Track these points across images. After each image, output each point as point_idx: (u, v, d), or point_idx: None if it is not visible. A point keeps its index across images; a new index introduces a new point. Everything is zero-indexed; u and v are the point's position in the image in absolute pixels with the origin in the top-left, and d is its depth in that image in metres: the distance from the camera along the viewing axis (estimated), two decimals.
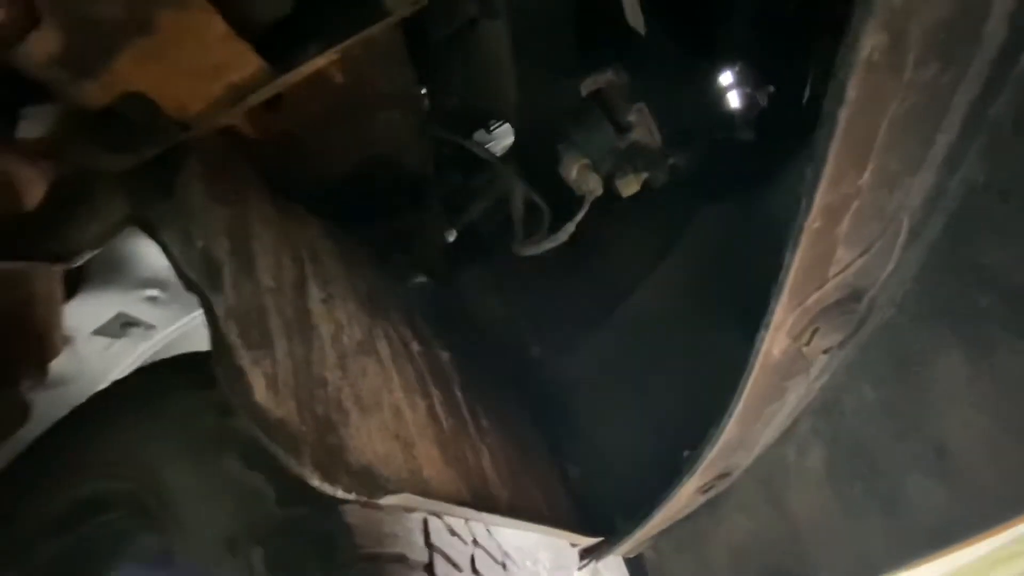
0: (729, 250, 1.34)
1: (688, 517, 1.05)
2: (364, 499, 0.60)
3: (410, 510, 0.92)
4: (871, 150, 0.46)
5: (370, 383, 0.79)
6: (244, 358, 0.64)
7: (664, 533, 1.07)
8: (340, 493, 0.59)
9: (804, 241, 0.50)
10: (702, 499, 1.00)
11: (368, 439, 0.68)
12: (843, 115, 0.41)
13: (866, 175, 0.47)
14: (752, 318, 1.21)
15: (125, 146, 0.87)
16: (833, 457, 0.80)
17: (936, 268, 0.62)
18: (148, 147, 0.88)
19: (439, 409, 0.89)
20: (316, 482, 0.58)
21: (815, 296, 0.60)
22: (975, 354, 0.60)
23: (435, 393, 0.92)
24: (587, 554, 1.09)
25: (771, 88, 1.11)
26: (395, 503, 0.64)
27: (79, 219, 0.88)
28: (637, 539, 1.01)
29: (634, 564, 1.22)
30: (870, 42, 0.38)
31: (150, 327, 1.77)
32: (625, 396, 1.39)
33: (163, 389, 1.32)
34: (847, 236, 0.53)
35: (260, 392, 0.61)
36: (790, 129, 1.12)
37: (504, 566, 1.29)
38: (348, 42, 0.94)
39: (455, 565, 1.07)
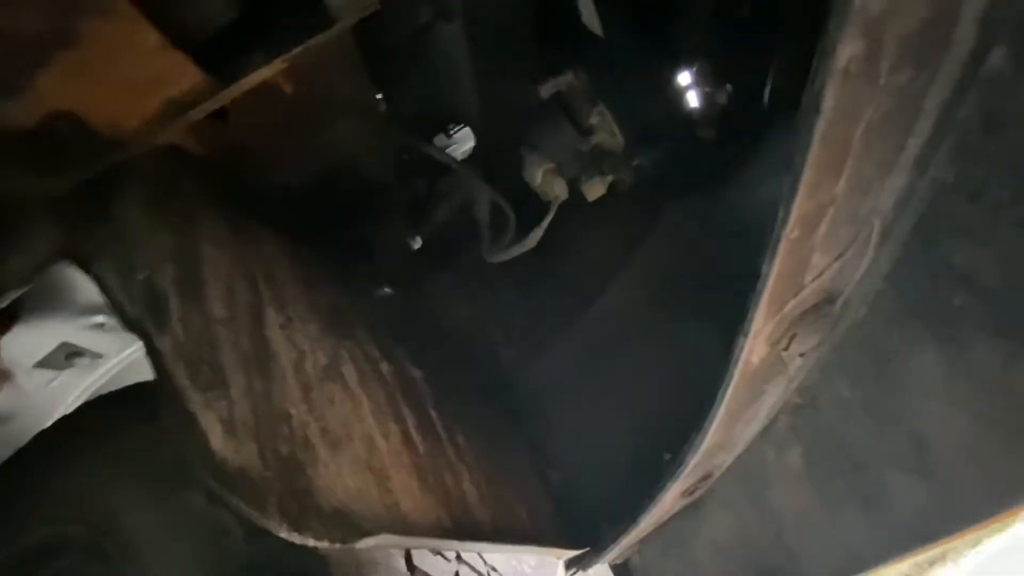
0: (695, 247, 1.34)
1: (672, 518, 1.04)
2: (338, 545, 0.56)
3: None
4: (847, 158, 0.44)
5: (338, 413, 0.74)
6: (195, 401, 0.58)
7: (649, 537, 1.06)
8: (311, 542, 0.54)
9: (782, 250, 0.48)
10: (685, 502, 0.99)
11: (339, 476, 0.63)
12: (820, 125, 0.39)
13: (841, 182, 0.46)
14: (722, 314, 1.22)
15: (54, 169, 0.79)
16: (812, 455, 0.79)
17: (907, 268, 0.62)
18: (80, 169, 0.80)
19: (413, 432, 0.85)
20: (284, 534, 0.53)
21: (792, 303, 0.59)
22: (951, 353, 0.60)
23: (408, 415, 0.88)
24: (573, 564, 1.07)
25: (729, 86, 1.10)
26: (372, 545, 0.60)
27: (3, 254, 0.79)
28: (623, 546, 0.99)
29: (620, 569, 1.21)
30: (847, 51, 0.36)
31: (97, 356, 1.65)
32: (600, 397, 1.38)
33: (114, 424, 1.23)
34: (822, 242, 0.52)
35: (216, 438, 0.56)
36: (750, 126, 1.12)
37: None
38: (295, 51, 0.88)
39: None
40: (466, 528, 0.77)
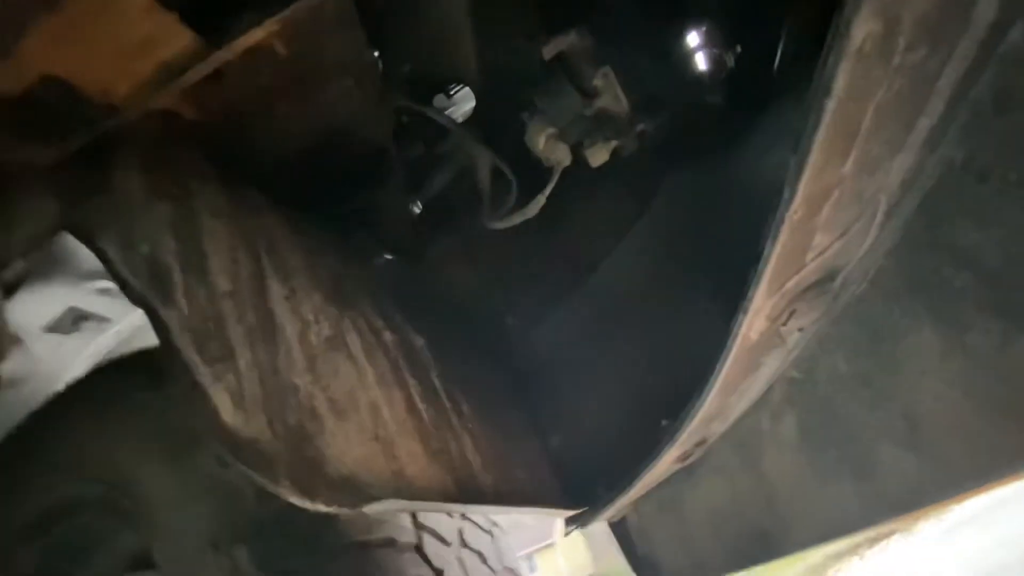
0: (699, 215, 1.33)
1: (667, 480, 1.08)
2: (347, 510, 0.58)
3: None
4: (855, 138, 0.43)
5: (343, 382, 0.75)
6: (205, 375, 0.59)
7: (645, 497, 1.10)
8: (321, 507, 0.56)
9: (785, 231, 0.48)
10: (680, 466, 1.02)
11: (346, 444, 0.65)
12: (830, 106, 0.38)
13: (849, 163, 0.45)
14: (724, 282, 1.22)
15: (46, 136, 0.78)
16: (806, 424, 0.81)
17: (910, 246, 0.62)
18: (73, 135, 0.79)
19: (417, 400, 0.87)
20: (295, 500, 0.55)
21: (794, 280, 0.59)
22: (948, 332, 0.61)
23: (412, 383, 0.89)
24: (572, 522, 1.11)
25: (738, 48, 1.07)
26: (380, 509, 0.62)
27: (2, 225, 0.78)
28: (619, 506, 1.03)
29: (617, 526, 1.26)
30: (863, 31, 0.35)
31: (104, 320, 1.66)
32: (601, 364, 1.40)
33: (125, 388, 1.25)
34: (826, 222, 0.52)
35: (226, 411, 0.57)
36: (758, 92, 1.08)
37: (491, 534, 1.31)
38: (288, 11, 0.85)
39: (444, 541, 1.08)
40: (470, 492, 0.80)
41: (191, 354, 0.60)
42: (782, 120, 1.04)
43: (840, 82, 0.37)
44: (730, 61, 1.08)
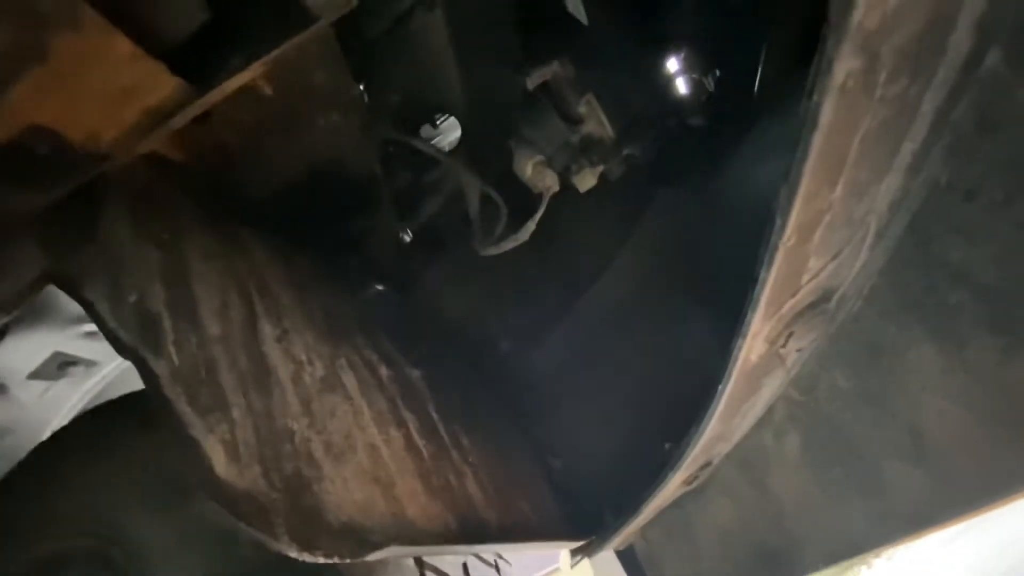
0: (686, 233, 1.34)
1: (674, 503, 1.06)
2: (348, 561, 0.56)
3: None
4: (843, 166, 0.44)
5: (340, 424, 0.73)
6: (197, 427, 0.57)
7: (652, 522, 1.08)
8: (322, 559, 0.55)
9: (779, 257, 0.48)
10: (687, 489, 1.01)
11: (345, 489, 0.64)
12: (817, 139, 0.39)
13: (838, 189, 0.46)
14: (715, 298, 1.22)
15: (32, 184, 0.77)
16: (810, 442, 0.81)
17: (903, 264, 0.62)
18: (60, 184, 0.78)
19: (416, 436, 0.85)
20: (294, 554, 0.53)
21: (790, 303, 0.59)
22: (948, 348, 0.61)
23: (410, 419, 0.88)
24: (578, 552, 1.09)
25: (717, 73, 1.09)
26: (382, 557, 0.60)
27: None
28: (627, 533, 1.01)
29: (624, 554, 1.24)
30: (844, 68, 0.35)
31: (92, 364, 1.63)
32: (597, 385, 1.39)
33: (114, 434, 1.22)
34: (819, 246, 0.52)
35: (220, 464, 0.55)
36: (739, 113, 1.10)
37: (497, 567, 1.28)
38: (274, 53, 0.85)
39: None
40: (473, 530, 0.78)
41: (183, 405, 0.58)
42: (764, 139, 1.06)
43: (826, 116, 0.38)
44: (709, 85, 1.10)
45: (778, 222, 0.45)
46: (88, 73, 0.71)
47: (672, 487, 0.91)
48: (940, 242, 0.58)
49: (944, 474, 0.65)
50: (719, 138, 1.16)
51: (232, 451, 0.57)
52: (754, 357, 0.64)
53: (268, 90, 1.07)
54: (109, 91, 0.75)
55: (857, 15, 0.33)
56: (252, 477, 0.57)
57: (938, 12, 0.37)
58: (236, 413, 0.62)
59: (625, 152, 1.18)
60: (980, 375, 0.58)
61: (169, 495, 1.12)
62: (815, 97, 0.37)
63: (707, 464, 0.93)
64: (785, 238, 0.46)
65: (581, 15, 1.09)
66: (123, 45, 0.72)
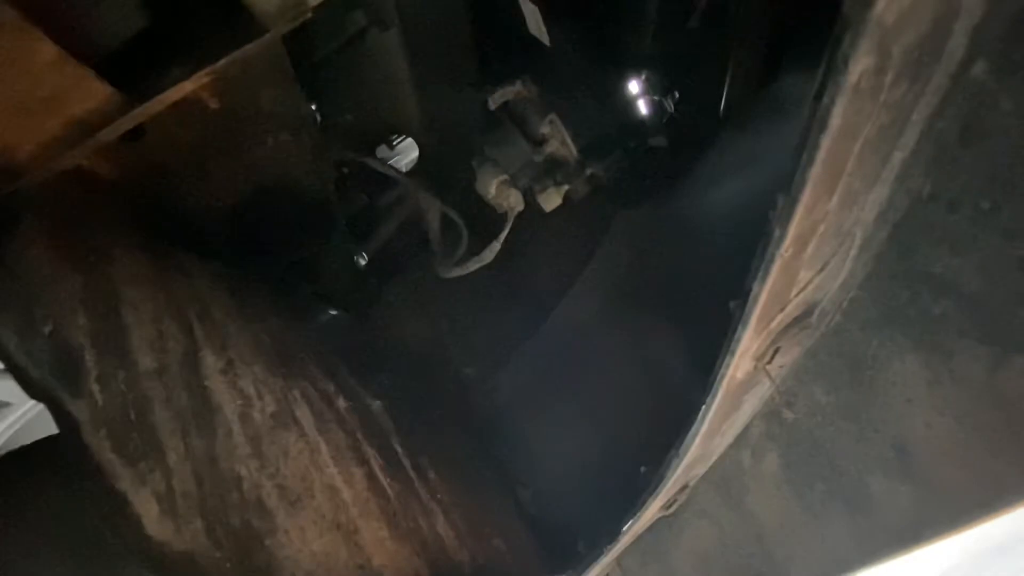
0: (647, 252, 1.34)
1: (650, 529, 1.02)
2: None
3: None
4: (842, 174, 0.43)
5: (295, 465, 0.65)
6: (124, 478, 0.48)
7: (627, 549, 1.03)
8: None
9: (775, 270, 0.46)
10: (663, 514, 0.97)
11: (302, 541, 0.56)
12: (825, 143, 0.37)
13: (835, 199, 0.44)
14: (679, 316, 1.22)
15: None
16: (789, 460, 0.79)
17: (883, 277, 0.62)
18: None
19: (380, 474, 0.78)
20: None
21: (778, 318, 0.57)
22: (934, 359, 0.60)
23: (372, 455, 0.80)
24: None
25: (677, 95, 1.11)
26: None
27: None
28: (603, 564, 0.96)
29: None
30: (860, 66, 0.34)
31: (3, 405, 1.45)
32: (564, 408, 1.35)
33: (25, 488, 1.06)
34: (810, 258, 0.51)
35: (152, 521, 0.47)
36: (701, 133, 1.12)
37: None
38: (220, 63, 0.79)
39: None
40: (445, 574, 0.71)
41: (107, 453, 0.49)
42: (724, 159, 1.08)
43: (836, 118, 0.36)
44: (669, 106, 1.11)
45: (776, 232, 0.43)
46: (4, 78, 0.63)
47: (650, 513, 0.88)
48: (923, 253, 0.58)
49: (932, 488, 0.64)
50: (681, 158, 1.18)
51: (168, 504, 0.49)
52: (740, 375, 0.61)
53: (214, 104, 1.00)
54: (28, 99, 0.67)
55: (878, 8, 0.31)
56: (192, 534, 0.48)
57: (941, 14, 0.37)
58: (173, 459, 0.53)
59: (589, 172, 1.18)
60: (968, 386, 0.58)
61: (93, 564, 0.98)
62: (825, 98, 0.35)
63: (685, 487, 0.90)
64: (783, 249, 0.44)
65: (543, 37, 1.09)
66: (46, 49, 0.64)
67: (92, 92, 0.70)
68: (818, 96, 0.36)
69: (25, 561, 1.01)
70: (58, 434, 1.19)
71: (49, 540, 0.99)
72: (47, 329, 0.58)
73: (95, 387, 0.55)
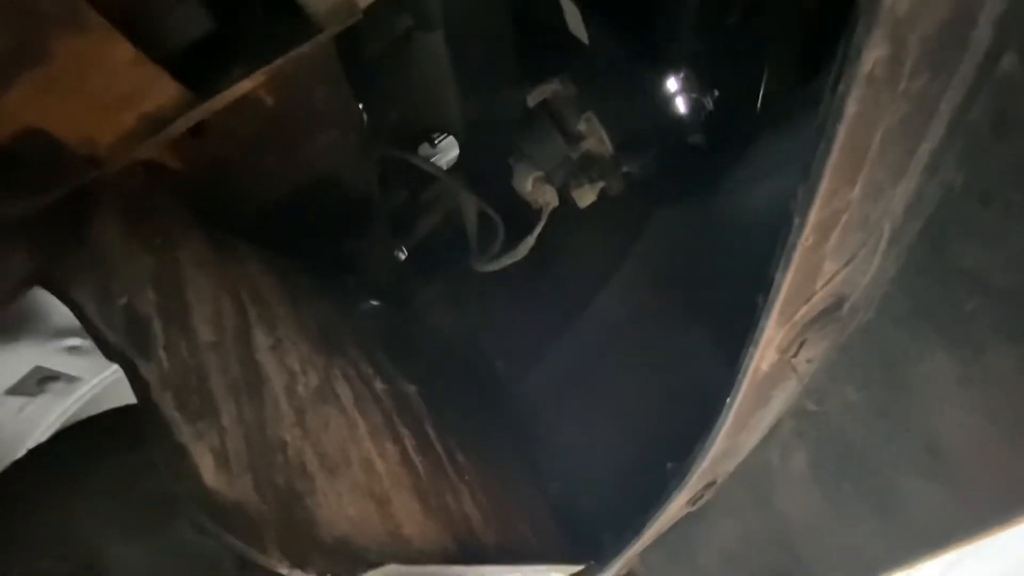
0: (686, 251, 1.34)
1: (675, 526, 1.03)
2: None
3: None
4: (863, 164, 0.43)
5: (334, 436, 0.70)
6: (185, 433, 0.54)
7: (652, 546, 1.04)
8: None
9: (797, 259, 0.47)
10: (689, 509, 0.98)
11: (339, 504, 0.60)
12: (841, 132, 0.38)
13: (856, 189, 0.45)
14: (714, 317, 1.21)
15: (26, 188, 0.75)
16: (818, 459, 0.79)
17: (915, 271, 0.61)
18: (53, 188, 0.76)
19: (412, 453, 0.82)
20: (285, 571, 0.50)
21: (803, 310, 0.58)
22: (965, 356, 0.59)
23: (406, 435, 0.85)
24: None
25: (716, 92, 1.11)
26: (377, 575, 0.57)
27: None
28: (627, 557, 0.97)
29: None
30: (873, 55, 0.35)
31: (73, 380, 1.57)
32: (595, 405, 1.36)
33: (93, 453, 1.16)
34: (834, 249, 0.51)
35: (208, 473, 0.52)
36: (740, 131, 1.12)
37: None
38: (276, 63, 0.85)
39: None
40: (472, 551, 0.74)
41: (171, 411, 0.55)
42: (764, 157, 1.07)
43: (851, 107, 0.37)
44: (708, 104, 1.12)
45: (796, 221, 0.44)
46: (88, 76, 0.70)
47: (676, 507, 0.88)
48: (955, 247, 0.57)
49: (963, 488, 0.63)
50: (719, 156, 1.17)
51: (222, 460, 0.54)
52: (765, 367, 0.62)
53: (270, 101, 1.07)
54: (108, 95, 0.74)
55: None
56: (242, 488, 0.53)
57: (960, 3, 0.37)
58: (227, 421, 0.59)
59: (624, 169, 1.19)
60: (1000, 384, 0.57)
61: (149, 518, 1.06)
62: (840, 87, 0.36)
63: (712, 483, 0.90)
64: (803, 237, 0.45)
65: (582, 35, 1.12)
66: (125, 50, 0.71)
67: (164, 90, 0.77)
68: (834, 85, 0.37)
69: (87, 518, 1.11)
70: (118, 408, 1.29)
71: (114, 496, 1.08)
72: (122, 301, 0.65)
73: (162, 353, 0.61)
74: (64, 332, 1.51)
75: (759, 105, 0.99)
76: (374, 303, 1.48)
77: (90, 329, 0.62)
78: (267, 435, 0.62)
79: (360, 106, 1.40)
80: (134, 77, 0.73)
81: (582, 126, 1.17)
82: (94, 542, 1.09)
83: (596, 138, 1.17)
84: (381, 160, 1.47)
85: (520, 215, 1.31)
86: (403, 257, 1.59)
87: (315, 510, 0.58)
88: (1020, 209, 0.51)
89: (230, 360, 0.68)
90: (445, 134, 1.57)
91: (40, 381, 1.53)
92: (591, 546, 1.07)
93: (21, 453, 1.36)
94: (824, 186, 0.41)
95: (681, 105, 1.14)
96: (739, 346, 0.61)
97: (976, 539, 0.64)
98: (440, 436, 0.95)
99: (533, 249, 1.25)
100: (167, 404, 0.56)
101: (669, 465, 0.88)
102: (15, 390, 1.50)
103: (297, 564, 0.51)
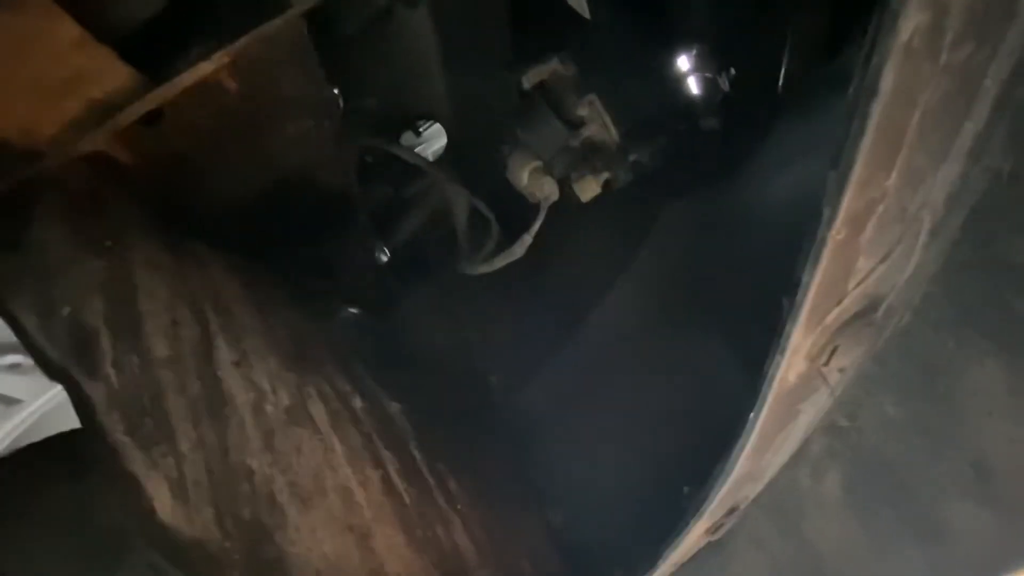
0: (701, 248, 1.34)
1: (693, 559, 1.02)
2: None
3: None
4: (900, 147, 0.43)
5: (308, 462, 0.69)
6: (137, 460, 0.53)
7: None
8: None
9: (827, 255, 0.46)
10: (709, 539, 0.97)
11: (313, 540, 0.59)
12: (876, 110, 0.38)
13: (893, 176, 0.45)
14: (732, 322, 1.21)
15: None
16: (854, 481, 0.78)
17: (960, 269, 0.61)
18: None
19: (396, 479, 0.81)
20: None
21: (835, 313, 0.57)
22: (1015, 364, 0.59)
23: (389, 458, 0.84)
24: None
25: (732, 71, 1.11)
26: None
27: None
28: None
29: None
30: (912, 23, 0.35)
31: (13, 402, 1.56)
32: (603, 423, 1.35)
33: (36, 483, 1.14)
34: (869, 244, 0.51)
35: (164, 506, 0.51)
36: (758, 114, 1.12)
37: None
38: (240, 42, 0.84)
39: None
40: None
41: (120, 435, 0.54)
42: (787, 143, 1.07)
43: (887, 82, 0.36)
44: (724, 84, 1.11)
45: (826, 212, 0.43)
46: (27, 59, 0.70)
47: (693, 537, 0.88)
48: (1003, 242, 0.57)
49: (1016, 513, 0.62)
50: (736, 142, 1.17)
51: (179, 491, 0.53)
52: (792, 377, 0.61)
53: (233, 86, 1.06)
54: (50, 80, 0.73)
55: None
56: (203, 522, 0.52)
57: None
58: (184, 446, 0.58)
59: (631, 158, 1.19)
60: None
61: (98, 555, 1.05)
62: (875, 60, 0.36)
63: (733, 509, 0.90)
64: (834, 230, 0.44)
65: (583, 9, 1.11)
66: (69, 29, 0.70)
67: (113, 73, 0.76)
68: (867, 58, 0.36)
69: (30, 555, 1.09)
70: (64, 432, 1.27)
71: (59, 532, 1.06)
72: (65, 311, 0.64)
73: (111, 371, 0.60)
74: (4, 348, 1.50)
75: (781, 85, 0.99)
76: (353, 312, 1.47)
77: (29, 345, 0.61)
78: (231, 462, 0.61)
79: (335, 91, 1.39)
80: (79, 59, 0.72)
81: (584, 110, 1.17)
82: None
83: (599, 124, 1.17)
84: (360, 152, 1.46)
85: (516, 211, 1.30)
86: (385, 260, 1.58)
87: (286, 547, 0.57)
88: None
89: (188, 377, 0.67)
90: (431, 121, 1.56)
91: None
92: None
93: None
94: (857, 172, 0.41)
95: (694, 86, 1.14)
96: (762, 355, 0.61)
97: None
98: (428, 460, 0.94)
99: (531, 249, 1.24)
100: (115, 427, 0.55)
101: (686, 490, 0.88)
102: None
103: None
